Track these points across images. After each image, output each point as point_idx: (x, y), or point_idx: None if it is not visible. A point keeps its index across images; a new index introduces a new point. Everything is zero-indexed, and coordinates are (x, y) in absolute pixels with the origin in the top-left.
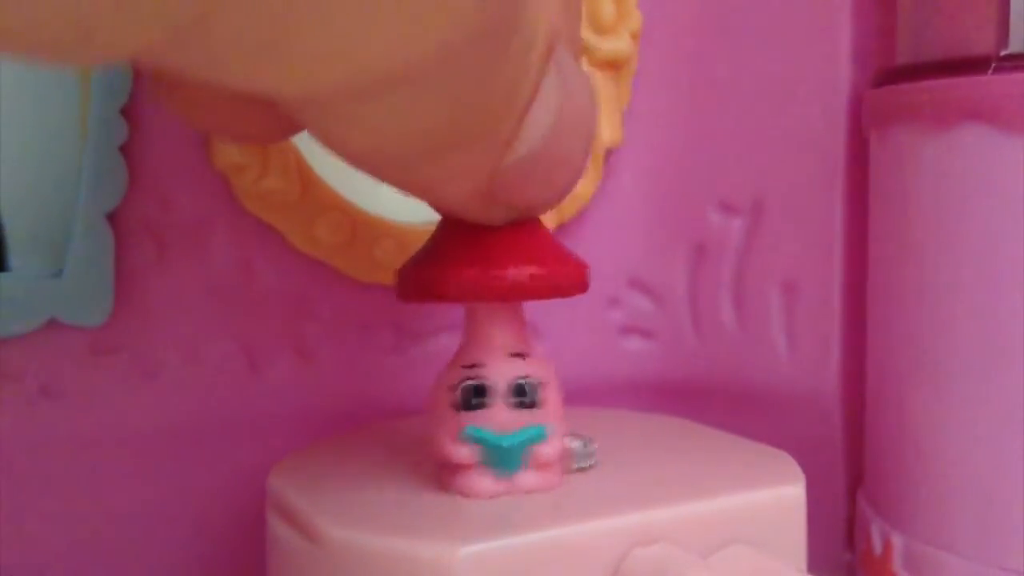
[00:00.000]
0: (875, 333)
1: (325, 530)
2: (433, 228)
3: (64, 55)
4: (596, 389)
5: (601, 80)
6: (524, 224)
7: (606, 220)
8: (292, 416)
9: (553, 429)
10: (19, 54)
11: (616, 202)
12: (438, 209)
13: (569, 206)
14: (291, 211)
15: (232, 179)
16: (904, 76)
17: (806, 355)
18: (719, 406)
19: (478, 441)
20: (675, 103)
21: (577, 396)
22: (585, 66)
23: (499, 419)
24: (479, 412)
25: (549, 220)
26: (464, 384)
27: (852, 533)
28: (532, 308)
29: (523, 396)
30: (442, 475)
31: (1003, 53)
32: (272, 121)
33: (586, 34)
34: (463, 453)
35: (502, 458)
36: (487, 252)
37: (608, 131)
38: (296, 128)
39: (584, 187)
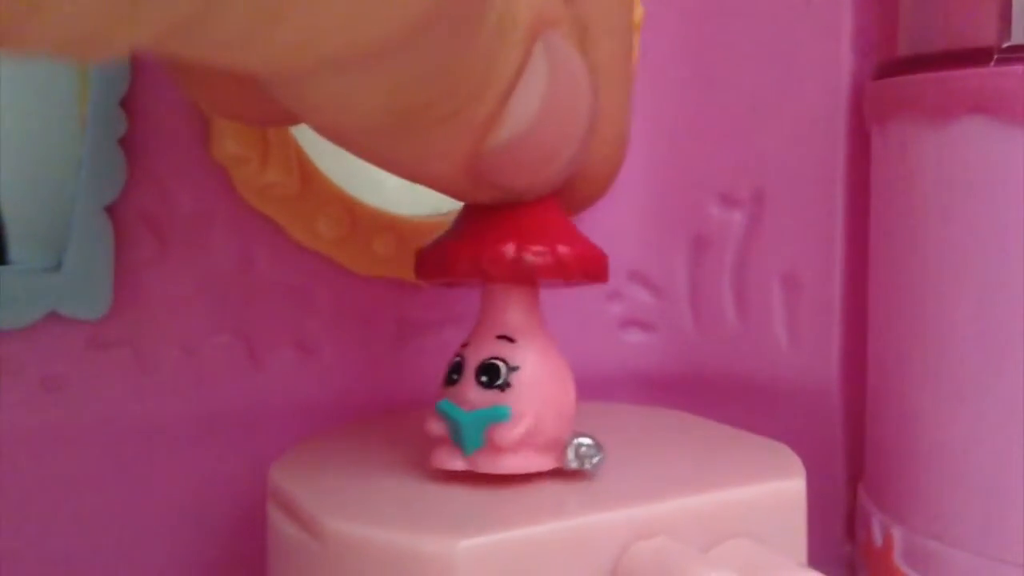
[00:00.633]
0: (876, 325)
1: (326, 524)
2: (434, 222)
3: (69, 54)
4: (596, 382)
5: None
6: (540, 205)
7: (606, 212)
8: (292, 409)
9: (518, 414)
10: (24, 54)
11: (616, 194)
12: (431, 188)
13: None
14: (291, 204)
15: (232, 172)
16: (906, 68)
17: (807, 348)
18: (719, 399)
19: (444, 414)
20: (676, 95)
21: (577, 389)
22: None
23: (466, 396)
24: (453, 388)
25: None
26: (452, 360)
27: (853, 526)
28: None
29: (489, 376)
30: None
31: (1005, 45)
32: (268, 101)
33: None
34: (434, 427)
35: (461, 434)
36: (493, 232)
37: None
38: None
39: None
